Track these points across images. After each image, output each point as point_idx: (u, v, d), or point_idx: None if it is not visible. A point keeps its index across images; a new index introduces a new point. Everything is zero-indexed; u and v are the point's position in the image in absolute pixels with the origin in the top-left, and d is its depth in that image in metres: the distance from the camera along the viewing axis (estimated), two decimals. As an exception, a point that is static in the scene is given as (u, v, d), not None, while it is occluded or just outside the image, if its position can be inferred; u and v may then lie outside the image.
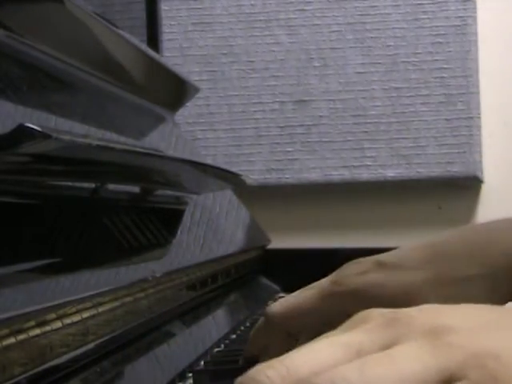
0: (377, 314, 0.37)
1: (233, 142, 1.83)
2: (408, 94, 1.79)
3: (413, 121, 1.79)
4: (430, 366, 0.33)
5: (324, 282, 0.65)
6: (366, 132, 1.80)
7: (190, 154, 1.09)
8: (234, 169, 0.96)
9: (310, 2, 1.82)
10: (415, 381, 0.32)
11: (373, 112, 1.80)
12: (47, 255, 0.57)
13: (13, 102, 0.61)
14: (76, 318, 0.51)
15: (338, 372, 0.32)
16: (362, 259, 0.66)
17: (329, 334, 0.37)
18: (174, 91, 1.15)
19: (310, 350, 0.35)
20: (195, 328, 0.78)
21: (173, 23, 1.84)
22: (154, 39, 1.57)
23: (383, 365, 0.33)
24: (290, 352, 0.35)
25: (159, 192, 0.84)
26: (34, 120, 0.63)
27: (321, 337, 0.37)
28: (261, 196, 1.80)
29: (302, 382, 0.33)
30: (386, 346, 0.34)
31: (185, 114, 1.78)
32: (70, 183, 0.64)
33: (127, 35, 0.91)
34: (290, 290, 1.15)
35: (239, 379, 0.34)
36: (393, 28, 1.80)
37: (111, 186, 0.71)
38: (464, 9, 1.78)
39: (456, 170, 1.78)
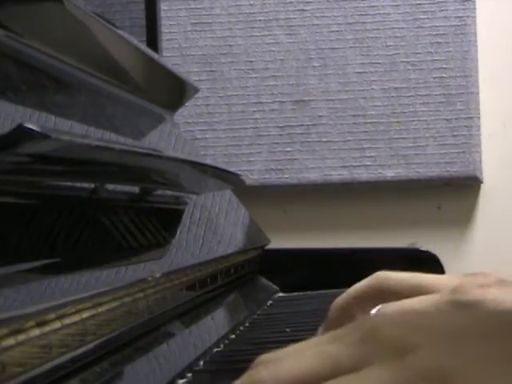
0: (359, 330, 0.40)
1: (232, 141, 1.83)
2: (407, 94, 1.79)
3: (412, 121, 1.79)
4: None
5: (441, 294, 0.61)
6: (366, 132, 1.80)
7: (189, 153, 1.09)
8: (233, 169, 0.96)
9: (309, 2, 1.82)
10: None
11: (372, 112, 1.80)
12: (47, 255, 0.57)
13: (12, 102, 0.61)
14: (75, 319, 0.51)
15: None
16: (484, 272, 0.62)
17: (320, 338, 0.41)
18: (174, 91, 1.15)
19: (298, 356, 0.40)
20: (195, 328, 0.78)
21: (172, 23, 1.84)
22: (153, 39, 1.57)
23: None
24: (283, 352, 0.41)
25: (158, 192, 0.84)
26: (34, 120, 0.63)
27: (316, 338, 0.42)
28: (260, 196, 1.80)
29: None
30: (358, 363, 0.38)
31: (184, 113, 1.78)
32: (69, 183, 0.64)
33: (126, 35, 0.91)
34: (289, 290, 1.16)
35: (239, 380, 0.39)
36: (392, 28, 1.80)
37: (110, 186, 0.71)
38: (463, 9, 1.78)
39: (455, 170, 1.78)
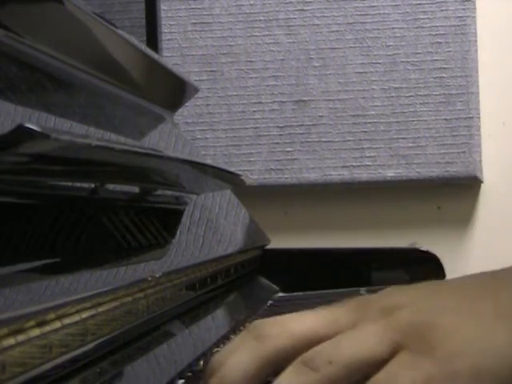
0: (354, 301, 0.48)
1: (232, 141, 1.83)
2: (407, 94, 1.79)
3: (412, 121, 1.79)
4: (383, 338, 0.43)
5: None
6: (366, 132, 1.80)
7: (189, 153, 1.09)
8: (233, 169, 0.96)
9: (309, 2, 1.82)
10: (373, 350, 0.43)
11: (372, 112, 1.80)
12: (47, 255, 0.57)
13: (12, 102, 0.61)
14: (75, 318, 0.51)
15: (323, 348, 0.43)
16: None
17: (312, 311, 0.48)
18: (174, 91, 1.15)
19: (300, 318, 0.46)
20: (195, 328, 0.78)
21: (172, 23, 1.84)
22: (153, 39, 1.57)
23: (351, 339, 0.43)
24: (288, 315, 0.47)
25: (159, 192, 0.84)
26: (34, 120, 0.63)
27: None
28: (260, 196, 1.80)
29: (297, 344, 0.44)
30: (354, 323, 0.45)
31: (184, 113, 1.78)
32: (69, 183, 0.64)
33: (126, 35, 0.91)
34: (289, 290, 1.16)
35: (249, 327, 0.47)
36: (392, 28, 1.80)
37: (111, 186, 0.71)
38: (463, 9, 1.78)
39: (455, 170, 1.78)
